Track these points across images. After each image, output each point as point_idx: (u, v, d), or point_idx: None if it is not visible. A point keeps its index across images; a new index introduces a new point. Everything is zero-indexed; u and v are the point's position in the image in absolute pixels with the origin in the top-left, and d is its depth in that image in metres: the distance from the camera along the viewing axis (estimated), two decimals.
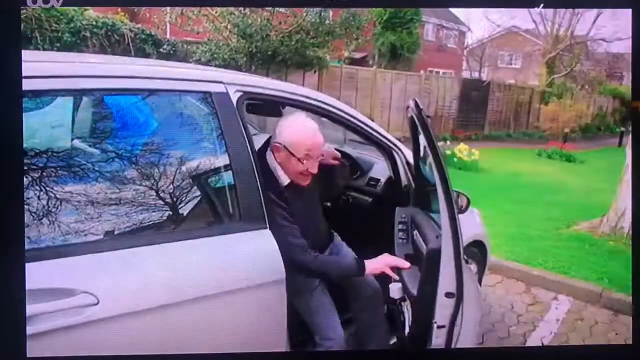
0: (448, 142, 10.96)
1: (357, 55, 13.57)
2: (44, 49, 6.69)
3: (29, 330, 1.31)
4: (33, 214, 1.39)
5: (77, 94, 1.63)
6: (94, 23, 7.32)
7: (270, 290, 1.75)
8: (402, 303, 2.12)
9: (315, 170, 2.01)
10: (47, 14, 6.84)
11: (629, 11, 1.97)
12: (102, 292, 1.40)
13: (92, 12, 7.52)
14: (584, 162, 11.50)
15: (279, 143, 1.98)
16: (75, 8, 7.37)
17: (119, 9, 8.41)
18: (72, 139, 1.69)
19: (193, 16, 8.83)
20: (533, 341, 3.24)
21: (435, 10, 19.24)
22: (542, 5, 2.01)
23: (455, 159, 9.07)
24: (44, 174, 1.45)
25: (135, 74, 1.74)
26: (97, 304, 1.39)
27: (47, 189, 1.43)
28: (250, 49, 8.78)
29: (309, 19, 9.48)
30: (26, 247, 1.36)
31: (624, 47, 16.58)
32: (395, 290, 2.13)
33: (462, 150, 9.35)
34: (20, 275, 1.36)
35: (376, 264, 1.98)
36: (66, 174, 1.48)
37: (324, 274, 2.03)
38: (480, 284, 3.37)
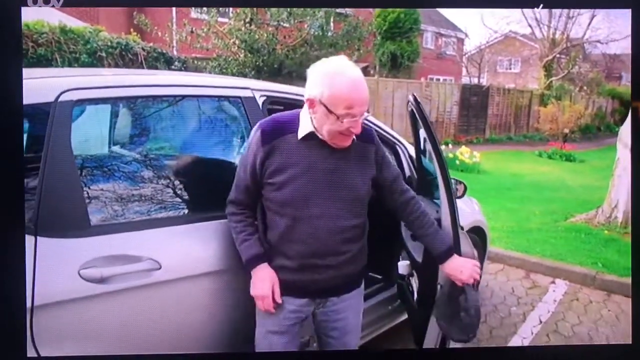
0: (450, 146, 11.20)
1: (359, 65, 13.92)
2: None
3: (107, 288, 1.61)
4: (111, 196, 1.72)
5: (131, 102, 1.96)
6: (109, 43, 7.66)
7: None
8: (410, 278, 2.44)
9: (358, 130, 1.68)
10: (65, 36, 7.21)
11: (622, 13, 1.97)
12: (163, 259, 1.72)
13: (106, 33, 7.87)
14: (584, 161, 11.74)
15: (313, 97, 1.65)
16: (90, 29, 7.74)
17: (132, 29, 8.81)
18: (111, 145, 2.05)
19: (202, 34, 9.25)
20: (532, 319, 3.53)
21: (433, 18, 19.63)
22: (541, 5, 2.09)
23: (457, 162, 9.26)
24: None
25: (179, 83, 2.08)
26: (159, 268, 1.71)
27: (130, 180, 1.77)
28: (258, 63, 9.19)
29: (312, 32, 9.89)
30: (104, 222, 1.68)
31: (620, 48, 16.97)
32: (403, 267, 2.46)
33: (464, 153, 9.54)
34: (20, 276, 1.47)
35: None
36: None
37: None
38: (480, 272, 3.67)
